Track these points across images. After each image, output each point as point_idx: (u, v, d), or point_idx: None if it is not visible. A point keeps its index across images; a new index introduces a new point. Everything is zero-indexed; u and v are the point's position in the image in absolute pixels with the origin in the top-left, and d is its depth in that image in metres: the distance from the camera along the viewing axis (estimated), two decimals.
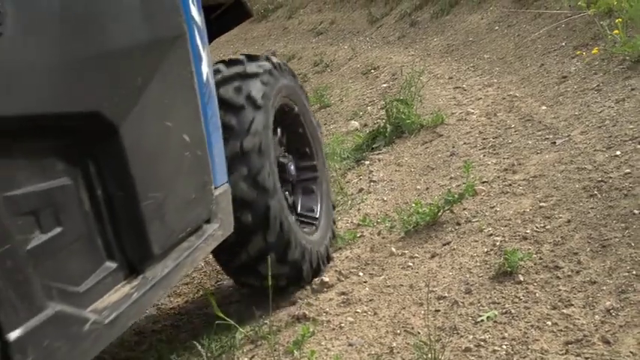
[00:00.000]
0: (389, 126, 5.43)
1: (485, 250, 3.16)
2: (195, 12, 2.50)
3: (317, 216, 3.56)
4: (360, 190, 4.41)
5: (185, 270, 2.33)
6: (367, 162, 4.95)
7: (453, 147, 4.67)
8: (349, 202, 4.22)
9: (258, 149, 2.94)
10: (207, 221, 2.49)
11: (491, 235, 3.28)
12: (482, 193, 3.75)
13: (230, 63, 3.16)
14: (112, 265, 1.96)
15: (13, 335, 1.54)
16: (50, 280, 1.71)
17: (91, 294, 1.86)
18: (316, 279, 3.29)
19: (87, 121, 1.87)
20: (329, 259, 3.49)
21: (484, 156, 4.33)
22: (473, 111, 5.30)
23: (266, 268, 2.89)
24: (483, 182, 3.89)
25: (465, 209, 3.63)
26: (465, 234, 3.38)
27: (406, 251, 3.39)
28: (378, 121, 5.78)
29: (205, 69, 2.56)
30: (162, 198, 2.14)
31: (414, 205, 3.75)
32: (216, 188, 2.56)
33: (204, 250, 2.48)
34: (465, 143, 4.69)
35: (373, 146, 5.29)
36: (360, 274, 3.30)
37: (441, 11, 9.56)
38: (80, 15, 1.82)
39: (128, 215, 2.01)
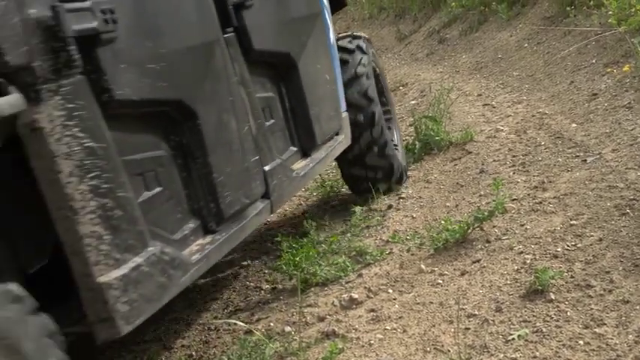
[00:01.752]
0: (418, 143, 5.43)
1: (516, 268, 3.14)
2: None
3: (396, 142, 4.85)
4: (389, 206, 4.41)
5: (329, 160, 3.83)
6: None
7: (483, 164, 4.66)
8: (378, 218, 4.22)
9: (366, 75, 4.33)
10: (337, 133, 3.90)
11: (521, 253, 3.26)
12: (512, 211, 3.73)
13: (341, 34, 4.55)
14: (294, 149, 3.41)
15: (267, 168, 2.94)
16: (273, 151, 3.07)
17: (288, 162, 3.25)
18: (345, 295, 3.29)
19: (284, 58, 3.31)
20: (406, 175, 4.83)
21: (514, 173, 4.32)
22: (502, 128, 5.29)
23: (370, 159, 4.33)
24: (513, 200, 3.87)
25: (494, 227, 3.61)
26: (495, 252, 3.36)
27: (435, 268, 3.38)
28: (407, 137, 5.78)
29: (331, 36, 4.03)
30: (319, 111, 3.56)
31: (443, 222, 3.74)
32: (342, 112, 4.00)
33: (337, 151, 3.91)
34: (494, 160, 4.67)
35: None
36: (390, 290, 3.30)
37: (469, 28, 9.57)
38: None
39: (303, 119, 3.44)
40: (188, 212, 2.47)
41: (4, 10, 1.73)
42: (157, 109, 2.33)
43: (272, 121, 3.18)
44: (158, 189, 2.30)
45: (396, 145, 4.75)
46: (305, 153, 3.49)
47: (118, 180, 2.04)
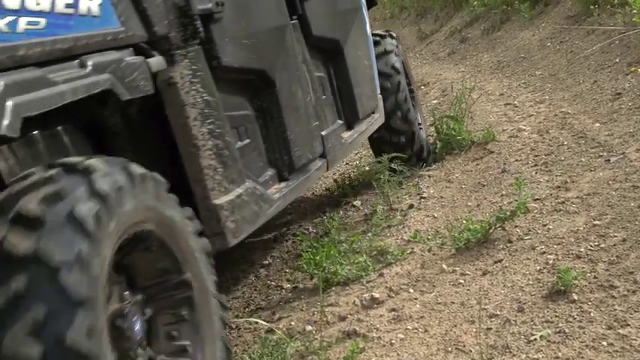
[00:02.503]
0: (439, 142, 5.42)
1: (538, 268, 3.12)
2: None
3: (420, 122, 5.36)
4: (410, 206, 4.40)
5: (368, 134, 4.52)
6: (417, 178, 4.93)
7: (505, 164, 4.64)
8: (399, 218, 4.21)
9: (405, 99, 4.88)
10: (374, 112, 4.51)
11: (543, 253, 3.24)
12: (535, 211, 3.70)
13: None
14: (340, 121, 4.05)
15: (324, 133, 3.64)
16: (328, 120, 3.79)
17: (338, 131, 3.93)
18: (366, 295, 3.29)
19: (333, 44, 4.01)
20: (431, 154, 5.31)
21: (536, 173, 4.29)
22: (524, 127, 5.26)
23: (409, 163, 4.91)
24: (535, 200, 3.85)
25: (516, 227, 3.59)
26: (517, 252, 3.34)
27: (457, 268, 3.37)
28: (428, 137, 5.76)
29: (368, 28, 4.71)
30: (360, 91, 4.22)
31: (464, 221, 3.73)
32: (377, 94, 4.61)
33: (374, 127, 4.52)
34: (516, 160, 4.65)
35: None
36: (411, 290, 3.29)
37: (491, 27, 9.52)
38: None
39: (348, 97, 4.10)
40: (267, 162, 3.19)
41: None
42: (247, 76, 3.04)
43: (324, 96, 3.88)
44: (247, 140, 3.00)
45: (420, 124, 5.24)
46: (349, 125, 4.15)
47: (225, 128, 2.70)
